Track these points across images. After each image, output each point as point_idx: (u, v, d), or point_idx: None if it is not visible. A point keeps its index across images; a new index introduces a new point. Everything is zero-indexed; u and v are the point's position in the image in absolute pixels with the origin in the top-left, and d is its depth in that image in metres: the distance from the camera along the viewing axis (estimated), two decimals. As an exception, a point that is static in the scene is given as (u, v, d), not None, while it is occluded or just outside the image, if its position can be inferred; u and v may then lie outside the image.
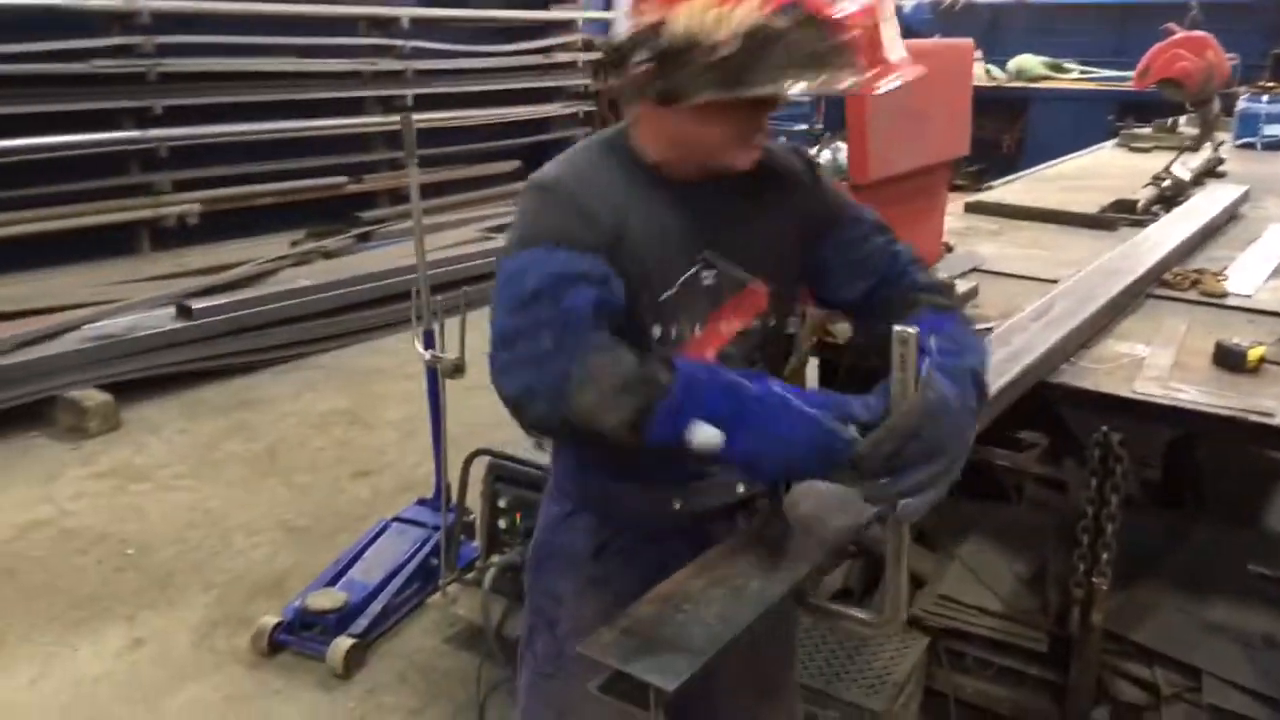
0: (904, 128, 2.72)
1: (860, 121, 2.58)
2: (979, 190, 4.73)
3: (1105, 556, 2.30)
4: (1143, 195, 4.11)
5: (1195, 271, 3.10)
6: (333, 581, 3.17)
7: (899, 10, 9.24)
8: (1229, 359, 2.38)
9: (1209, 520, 2.85)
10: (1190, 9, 8.13)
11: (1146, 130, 6.24)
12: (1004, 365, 2.18)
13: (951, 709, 2.60)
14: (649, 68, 1.32)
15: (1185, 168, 4.45)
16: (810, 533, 1.50)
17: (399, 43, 7.99)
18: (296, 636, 3.01)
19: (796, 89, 1.29)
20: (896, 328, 1.23)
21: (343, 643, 2.91)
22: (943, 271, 3.03)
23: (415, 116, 8.44)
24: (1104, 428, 2.23)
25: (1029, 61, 10.76)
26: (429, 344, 3.10)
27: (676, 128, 1.39)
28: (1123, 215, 3.92)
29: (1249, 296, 2.94)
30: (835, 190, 1.63)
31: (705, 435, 1.23)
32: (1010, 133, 10.89)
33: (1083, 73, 10.71)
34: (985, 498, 3.27)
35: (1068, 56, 10.98)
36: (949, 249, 3.39)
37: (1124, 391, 2.23)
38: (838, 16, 1.32)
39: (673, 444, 1.25)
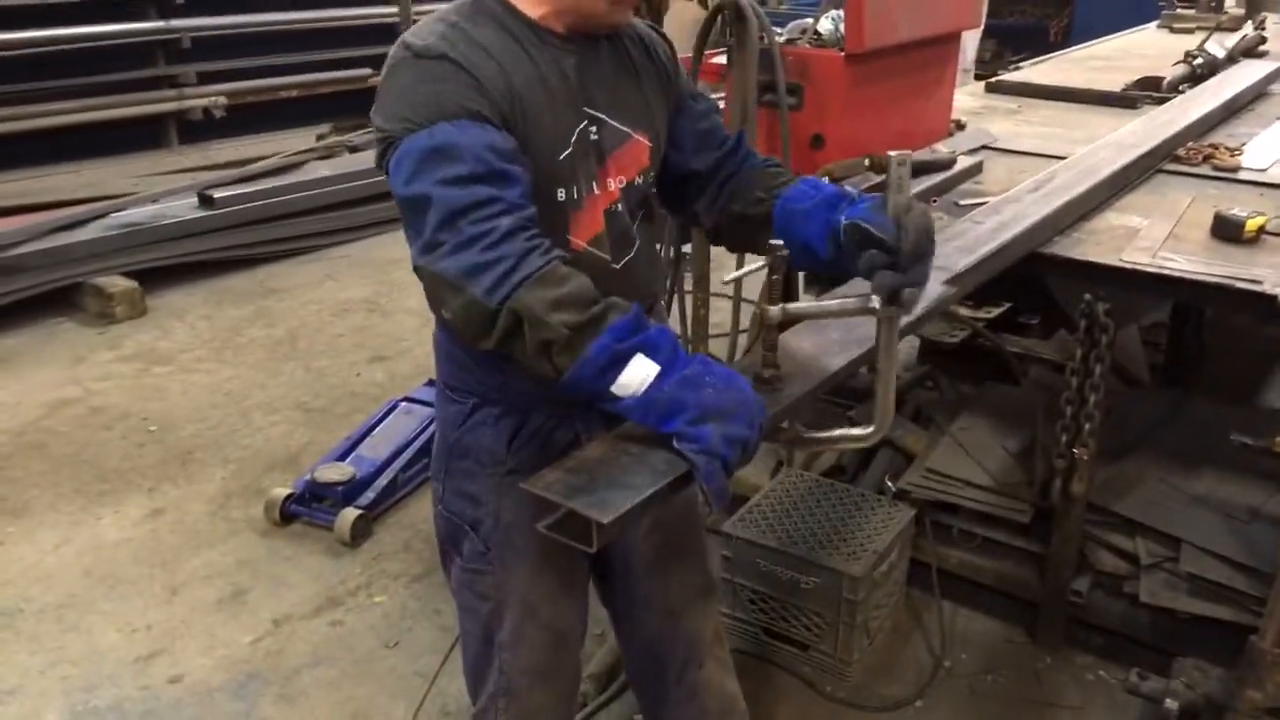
0: (904, -5, 2.64)
1: (853, -17, 2.51)
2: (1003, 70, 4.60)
3: (1088, 427, 2.30)
4: (1171, 73, 3.96)
5: (1210, 146, 3.01)
6: (342, 457, 3.27)
7: None
8: (1226, 229, 2.33)
9: (1206, 397, 2.83)
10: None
11: (1190, 10, 5.97)
12: (991, 234, 2.16)
13: (935, 579, 2.66)
14: None
15: (1220, 45, 4.27)
16: (804, 373, 1.51)
17: (422, -71, 7.82)
18: (306, 507, 3.12)
19: None
20: (893, 153, 1.28)
21: (349, 513, 3.01)
22: (949, 148, 2.98)
23: (440, 5, 8.34)
24: (1087, 296, 2.20)
25: (1079, -57, 10.27)
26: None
27: None
28: (1146, 93, 3.78)
29: (1263, 171, 2.86)
30: (683, 68, 1.66)
31: (643, 366, 1.24)
32: (1058, 20, 10.49)
33: (1136, -46, 10.21)
34: (992, 380, 3.28)
35: (1120, -63, 10.47)
36: (960, 126, 3.31)
37: (1111, 260, 2.20)
38: None
39: (605, 374, 1.24)
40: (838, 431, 1.57)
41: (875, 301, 1.33)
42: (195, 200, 5.17)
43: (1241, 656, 2.05)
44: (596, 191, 1.47)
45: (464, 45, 1.34)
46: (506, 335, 1.26)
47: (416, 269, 1.31)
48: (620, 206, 1.51)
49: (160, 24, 6.61)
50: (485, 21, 1.38)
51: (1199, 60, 4.08)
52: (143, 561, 2.97)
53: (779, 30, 2.85)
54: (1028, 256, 2.23)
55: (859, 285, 1.50)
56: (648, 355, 1.25)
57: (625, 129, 1.49)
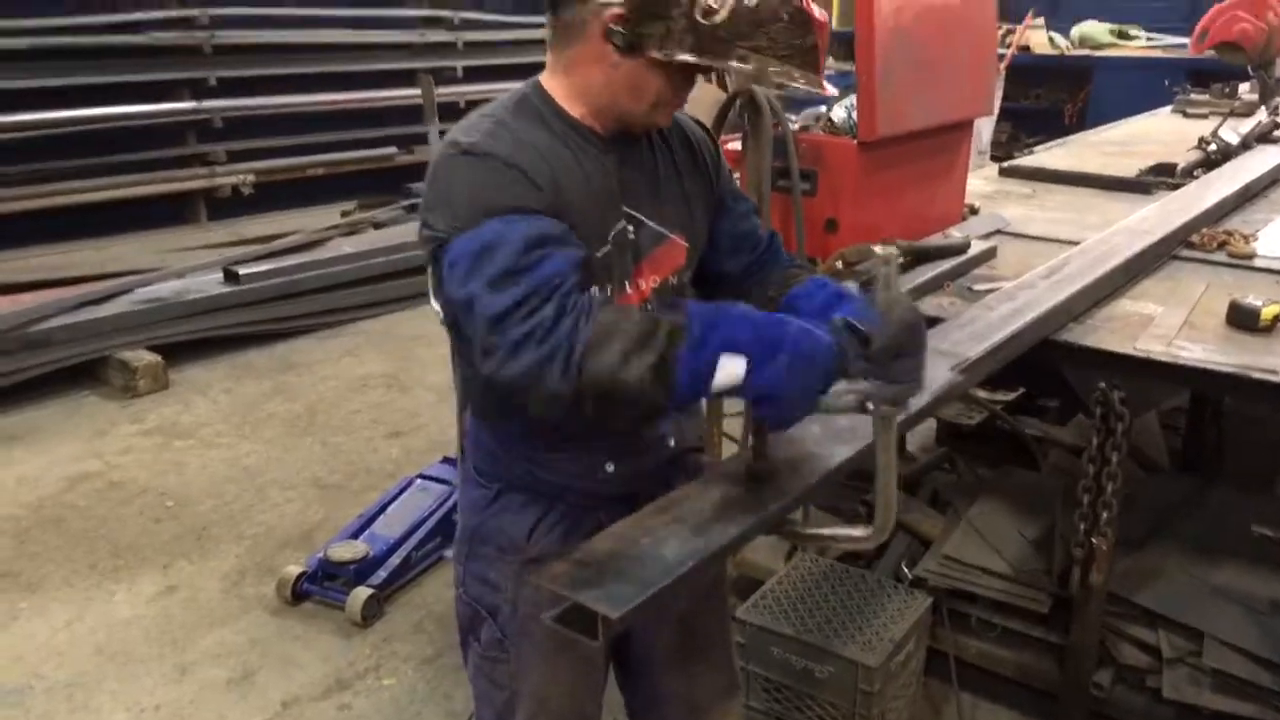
0: (917, 83, 2.68)
1: (870, 76, 2.55)
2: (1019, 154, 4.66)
3: (1105, 515, 2.27)
4: (1185, 159, 3.99)
5: (1224, 233, 3.01)
6: (356, 534, 3.26)
7: None
8: (1242, 317, 2.32)
9: (1225, 486, 2.79)
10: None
11: (1204, 96, 6.04)
12: (1003, 321, 2.17)
13: (953, 669, 2.60)
14: (619, 12, 1.32)
15: (1234, 131, 4.31)
16: (795, 471, 1.51)
17: (449, 14, 8.07)
18: (319, 586, 3.11)
19: (768, 74, 1.35)
20: (878, 248, 1.33)
21: (361, 593, 3.00)
22: (963, 233, 3.00)
23: (465, 89, 8.53)
24: (1101, 384, 2.19)
25: (1093, 29, 10.45)
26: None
27: (620, 77, 1.37)
28: (1161, 179, 3.81)
29: (1278, 258, 2.86)
30: (728, 166, 1.69)
31: (731, 367, 1.25)
32: (1073, 103, 10.60)
33: (1150, 40, 10.38)
34: (1010, 464, 3.25)
35: (1135, 23, 10.65)
36: (974, 210, 3.34)
37: (1125, 349, 2.19)
38: (821, 19, 1.36)
39: (700, 387, 1.25)
40: (838, 531, 1.57)
41: (871, 407, 1.33)
42: (221, 276, 5.26)
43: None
44: (629, 290, 1.49)
45: (510, 142, 1.35)
46: (600, 406, 1.26)
47: (491, 380, 1.30)
48: (651, 305, 1.51)
49: (194, 105, 6.81)
50: (530, 119, 1.40)
51: (1213, 146, 4.11)
52: (154, 639, 2.96)
53: (793, 117, 2.91)
54: (1041, 343, 2.24)
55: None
56: (729, 353, 1.25)
57: (663, 230, 1.51)
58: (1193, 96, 6.05)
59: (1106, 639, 2.44)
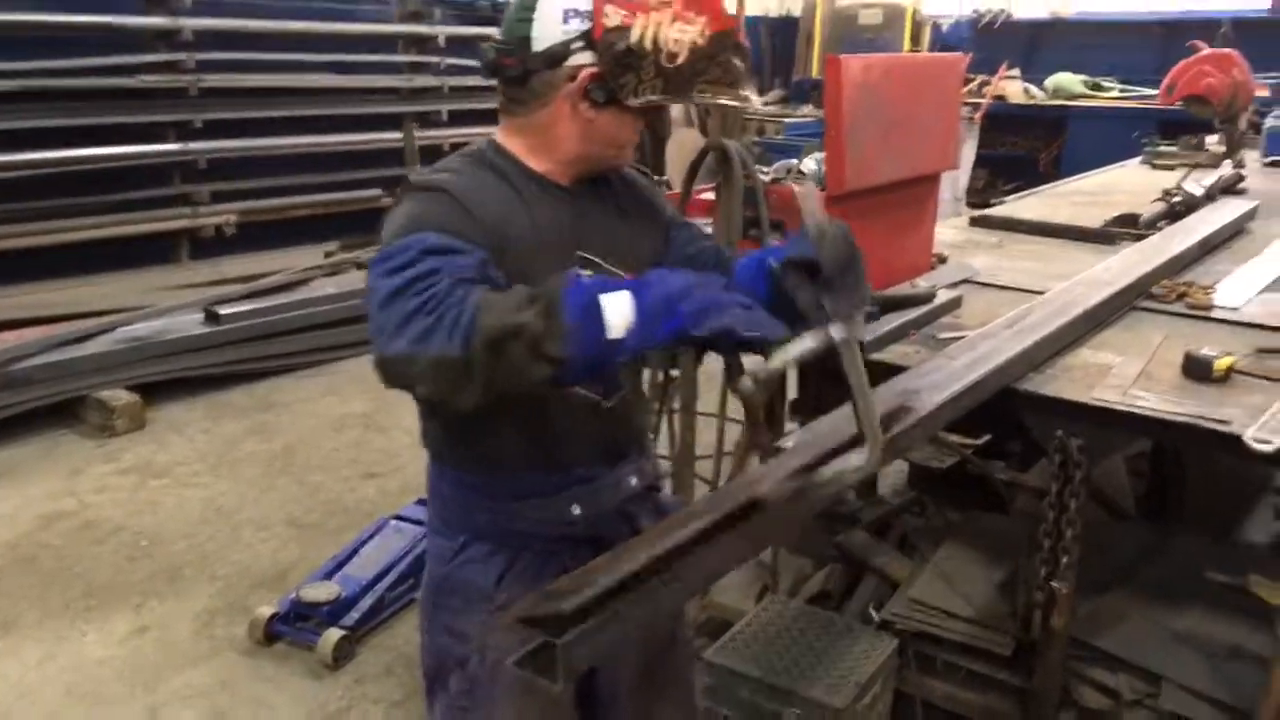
0: (885, 139, 2.77)
1: (838, 133, 2.64)
2: (988, 205, 4.77)
3: (1065, 560, 2.32)
4: (1149, 210, 4.10)
5: (1184, 284, 3.10)
6: (329, 575, 3.28)
7: (938, 28, 9.32)
8: (1196, 368, 2.39)
9: (1187, 532, 2.85)
10: (1221, 27, 8.06)
11: (1172, 148, 6.19)
12: (964, 371, 2.22)
13: (918, 711, 2.63)
14: (595, 71, 1.45)
15: (1198, 184, 4.42)
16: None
17: (435, 59, 8.19)
18: (291, 627, 3.12)
19: (719, 100, 1.50)
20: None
21: (333, 634, 3.01)
22: (931, 282, 3.07)
23: (450, 132, 8.63)
24: (1059, 432, 2.25)
25: (1067, 80, 10.69)
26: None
27: (594, 128, 1.50)
28: (1125, 230, 3.91)
29: (1236, 310, 2.94)
30: (666, 199, 1.84)
31: (617, 302, 1.26)
32: (1047, 151, 10.82)
33: (1122, 92, 10.61)
34: (980, 508, 3.30)
35: (1108, 75, 10.90)
36: (943, 260, 3.42)
37: (1082, 398, 2.26)
38: (746, 45, 1.54)
39: (596, 331, 1.24)
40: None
41: (834, 331, 1.38)
42: (201, 316, 5.29)
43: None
44: None
45: (461, 183, 1.46)
46: (490, 370, 1.23)
47: (377, 366, 1.31)
48: None
49: (179, 146, 6.86)
50: (487, 171, 1.51)
51: (1177, 198, 4.23)
52: (125, 680, 2.96)
53: (766, 169, 2.99)
54: (1002, 391, 2.30)
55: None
56: (609, 292, 1.27)
57: (617, 271, 1.58)
58: (1161, 148, 6.20)
59: (1068, 682, 2.48)
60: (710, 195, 2.85)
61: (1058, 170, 10.35)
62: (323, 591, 3.15)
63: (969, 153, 9.17)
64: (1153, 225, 3.97)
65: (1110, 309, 2.85)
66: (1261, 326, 2.79)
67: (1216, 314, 2.92)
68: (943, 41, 11.74)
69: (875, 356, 2.54)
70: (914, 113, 2.89)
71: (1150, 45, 10.67)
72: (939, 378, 2.15)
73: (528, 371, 1.25)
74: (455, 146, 7.76)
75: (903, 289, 2.95)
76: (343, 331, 5.68)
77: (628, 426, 1.68)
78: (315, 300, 5.69)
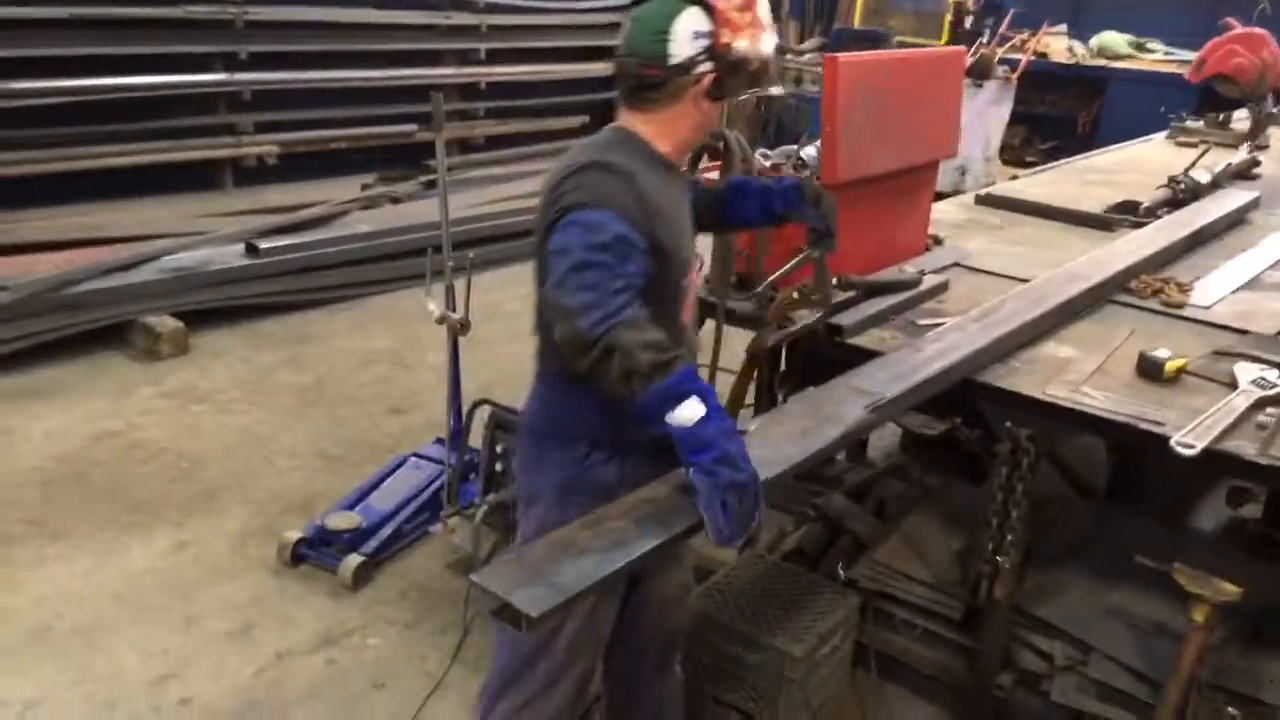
0: (880, 131, 2.93)
1: (833, 127, 2.81)
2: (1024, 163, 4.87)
3: (1010, 538, 2.55)
4: (1151, 197, 4.22)
5: (1161, 280, 3.26)
6: (352, 505, 3.57)
7: None
8: (1148, 368, 2.58)
9: (1142, 516, 3.06)
10: (1260, 4, 7.96)
11: (1198, 124, 6.23)
12: (926, 363, 2.44)
13: (872, 660, 2.90)
14: (715, 75, 1.90)
15: (1207, 170, 4.52)
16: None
17: (475, -3, 8.29)
18: (315, 551, 3.42)
19: (770, 91, 2.06)
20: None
21: (353, 560, 3.31)
22: (924, 266, 3.25)
23: (488, 70, 8.75)
24: (1007, 424, 2.46)
25: (1113, 39, 10.59)
26: (449, 301, 3.45)
27: (706, 117, 1.97)
28: (1124, 216, 4.04)
29: (1206, 309, 3.10)
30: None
31: (694, 408, 1.66)
32: (1087, 111, 10.76)
33: (1167, 54, 10.49)
34: (964, 475, 3.50)
35: (1154, 36, 10.76)
36: (938, 242, 3.59)
37: (1033, 392, 2.46)
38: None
39: (665, 405, 1.65)
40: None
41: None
42: (242, 248, 5.56)
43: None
44: (693, 278, 2.06)
45: (634, 167, 1.88)
46: (597, 363, 1.68)
47: (544, 297, 1.79)
48: (694, 294, 2.10)
49: (225, 76, 7.07)
50: (639, 154, 1.93)
51: (1181, 185, 4.34)
52: (165, 590, 3.29)
53: (770, 153, 3.16)
54: (963, 381, 2.51)
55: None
56: (700, 400, 1.67)
57: (692, 235, 2.09)
58: (1188, 124, 6.24)
59: (1010, 645, 2.73)
60: (714, 175, 3.02)
61: (1096, 132, 10.33)
62: (345, 520, 3.45)
63: (1003, 111, 9.16)
64: (1153, 213, 4.10)
65: (1085, 302, 3.03)
66: (1225, 327, 2.96)
67: (1188, 312, 3.09)
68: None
69: (853, 341, 2.76)
70: (911, 106, 3.05)
71: (1199, 6, 10.49)
72: (898, 370, 2.37)
73: (611, 385, 1.69)
74: (492, 85, 7.92)
75: (890, 274, 3.13)
76: (374, 268, 5.94)
77: (695, 356, 2.14)
78: (350, 237, 5.94)
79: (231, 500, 3.82)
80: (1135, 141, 6.16)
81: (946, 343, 2.56)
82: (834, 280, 2.82)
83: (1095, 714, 2.56)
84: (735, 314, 2.84)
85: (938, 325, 2.80)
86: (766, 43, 1.96)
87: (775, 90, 2.09)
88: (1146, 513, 3.10)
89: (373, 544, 3.41)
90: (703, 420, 1.67)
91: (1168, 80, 9.72)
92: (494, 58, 8.56)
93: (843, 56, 2.81)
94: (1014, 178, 5.61)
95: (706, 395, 1.69)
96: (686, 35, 1.88)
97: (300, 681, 2.92)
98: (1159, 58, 10.46)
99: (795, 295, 2.85)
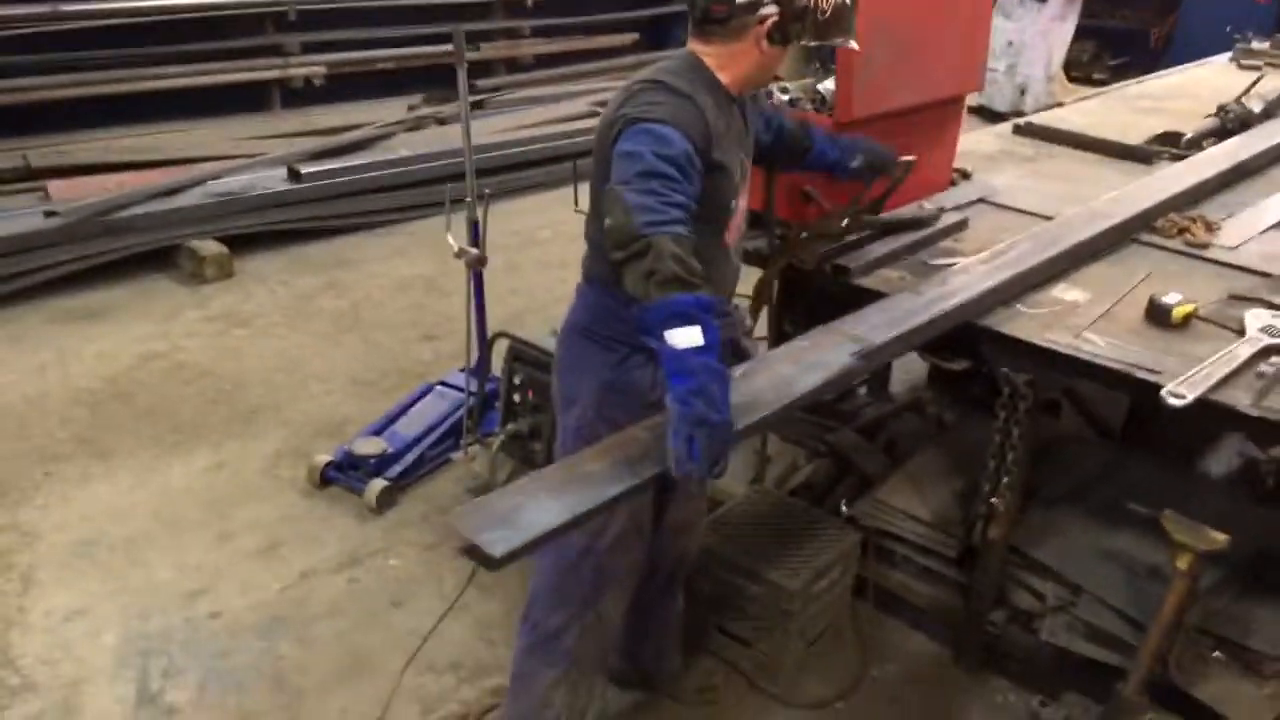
0: (897, 65, 2.86)
1: (847, 62, 2.75)
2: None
3: (1006, 480, 2.57)
4: (1196, 127, 4.08)
5: (1188, 219, 3.16)
6: (379, 431, 3.70)
7: None
8: (1156, 314, 2.54)
9: (1149, 459, 3.04)
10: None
11: (1264, 46, 5.94)
12: (924, 307, 2.43)
13: (870, 592, 2.97)
14: (777, 19, 2.00)
15: (1260, 98, 4.34)
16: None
17: (522, -87, 8.16)
18: (343, 474, 3.56)
19: (848, 44, 2.16)
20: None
21: (378, 483, 3.44)
22: (947, 203, 3.20)
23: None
24: (1004, 369, 2.46)
25: (1190, -51, 10.03)
26: (472, 235, 3.52)
27: (767, 58, 2.07)
28: (1165, 149, 3.92)
29: (1232, 249, 3.02)
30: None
31: (691, 335, 1.73)
32: (1160, 26, 10.29)
33: (1249, -35, 9.93)
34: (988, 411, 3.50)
35: (1237, -55, 10.18)
36: (966, 176, 3.52)
37: (1033, 338, 2.45)
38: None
39: (671, 320, 1.72)
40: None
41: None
42: (284, 173, 5.66)
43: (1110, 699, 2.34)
44: (741, 204, 2.17)
45: (696, 91, 1.99)
46: (632, 256, 1.78)
47: (606, 190, 1.88)
48: (744, 218, 2.24)
49: (271, -4, 7.10)
50: (702, 81, 2.04)
51: (1231, 114, 4.18)
52: (201, 508, 3.46)
53: (790, 87, 3.12)
54: (964, 324, 2.50)
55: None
56: (703, 332, 1.74)
57: (750, 162, 2.22)
58: (1253, 45, 5.95)
59: (1005, 584, 2.77)
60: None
61: (1170, 47, 9.88)
62: (372, 446, 3.57)
63: (1067, 27, 8.80)
64: (1196, 144, 3.96)
65: (1103, 243, 2.97)
66: (1248, 270, 2.89)
67: (1212, 253, 3.01)
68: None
69: (859, 281, 2.76)
70: (932, 36, 2.96)
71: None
72: (895, 314, 2.37)
73: (632, 282, 1.78)
74: (539, 3, 7.77)
75: (908, 210, 3.08)
76: (415, 193, 5.99)
77: (737, 281, 2.30)
78: (390, 162, 5.99)
79: (268, 422, 3.98)
80: (1194, 64, 5.91)
81: (949, 286, 2.54)
82: (844, 219, 2.83)
83: (1082, 655, 2.60)
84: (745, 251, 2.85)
85: (949, 265, 2.78)
86: None
87: (851, 44, 2.15)
88: (1159, 456, 3.07)
89: (397, 469, 3.54)
90: (696, 350, 1.73)
91: (1246, -6, 9.24)
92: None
93: (857, -11, 2.74)
94: (1083, 99, 5.40)
95: (710, 332, 1.74)
96: None
97: (323, 598, 3.08)
98: (1240, -31, 9.90)
99: (803, 235, 2.86)
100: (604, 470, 1.79)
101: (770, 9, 2.00)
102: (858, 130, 2.89)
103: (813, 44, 2.09)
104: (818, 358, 2.14)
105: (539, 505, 1.68)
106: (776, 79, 2.98)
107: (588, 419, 2.16)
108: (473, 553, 1.63)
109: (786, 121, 2.53)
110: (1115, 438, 3.39)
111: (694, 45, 2.09)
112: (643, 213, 1.78)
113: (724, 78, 2.07)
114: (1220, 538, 2.26)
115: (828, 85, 3.08)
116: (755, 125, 2.31)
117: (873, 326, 2.31)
